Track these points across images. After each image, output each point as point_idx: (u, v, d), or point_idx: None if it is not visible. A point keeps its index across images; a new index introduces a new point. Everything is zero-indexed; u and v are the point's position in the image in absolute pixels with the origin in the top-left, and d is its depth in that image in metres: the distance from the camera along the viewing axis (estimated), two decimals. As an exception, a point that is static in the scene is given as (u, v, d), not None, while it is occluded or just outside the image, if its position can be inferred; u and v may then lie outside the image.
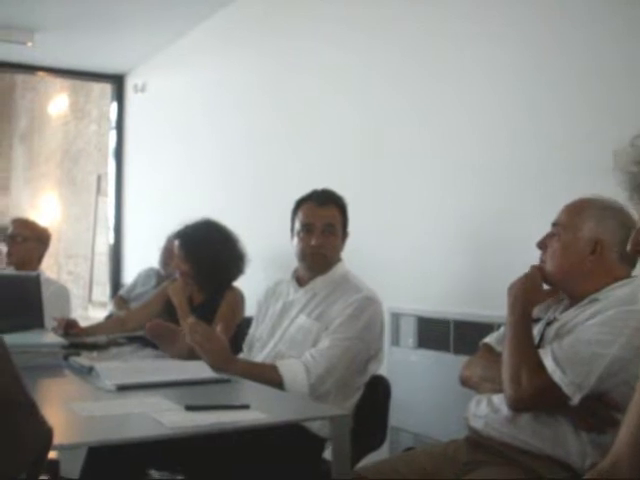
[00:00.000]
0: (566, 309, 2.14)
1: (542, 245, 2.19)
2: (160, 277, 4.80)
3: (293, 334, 2.77)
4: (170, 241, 4.23)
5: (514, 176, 2.95)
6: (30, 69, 7.27)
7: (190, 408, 1.99)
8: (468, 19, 3.21)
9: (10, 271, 4.15)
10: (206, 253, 3.52)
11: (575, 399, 1.90)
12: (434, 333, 3.24)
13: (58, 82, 9.64)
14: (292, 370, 2.59)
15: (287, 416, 2.22)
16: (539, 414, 2.00)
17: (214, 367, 2.55)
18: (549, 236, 2.18)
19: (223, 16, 5.23)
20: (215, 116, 5.46)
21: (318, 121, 4.23)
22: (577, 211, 2.15)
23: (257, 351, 2.87)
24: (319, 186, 2.95)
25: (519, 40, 2.96)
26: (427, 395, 3.24)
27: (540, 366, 1.95)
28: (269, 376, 2.57)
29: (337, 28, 4.06)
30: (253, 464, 2.41)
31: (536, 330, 2.13)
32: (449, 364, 3.01)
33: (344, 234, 2.89)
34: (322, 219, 2.82)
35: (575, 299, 2.11)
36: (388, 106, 3.67)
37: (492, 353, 2.25)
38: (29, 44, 5.89)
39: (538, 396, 1.96)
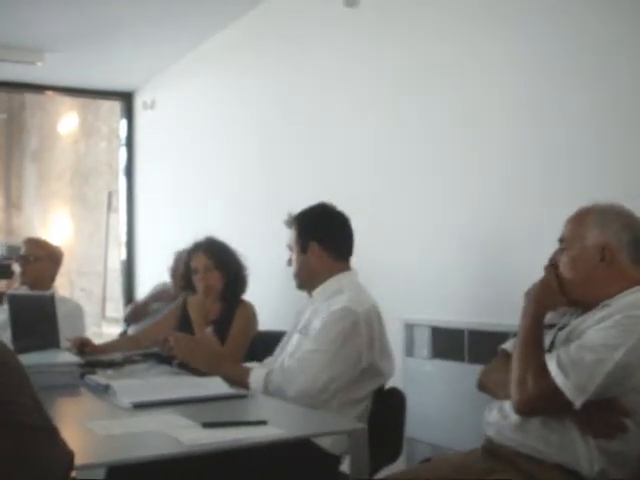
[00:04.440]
0: (580, 315, 2.13)
1: (553, 263, 2.19)
2: (172, 295, 4.79)
3: (288, 350, 2.81)
4: (179, 258, 4.22)
5: (529, 185, 2.95)
6: (39, 89, 7.32)
7: (207, 425, 1.99)
8: (474, 30, 3.22)
9: (24, 291, 4.17)
10: (234, 262, 3.57)
11: (577, 403, 1.90)
12: (448, 343, 3.23)
13: (67, 100, 9.69)
14: (256, 377, 2.68)
15: (304, 431, 2.22)
16: (547, 420, 2.00)
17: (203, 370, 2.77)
18: (558, 252, 2.18)
19: (231, 31, 5.25)
20: (225, 131, 5.48)
21: (330, 132, 4.23)
22: (579, 221, 2.15)
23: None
24: (331, 197, 2.97)
25: (522, 46, 2.96)
26: (443, 405, 3.24)
27: (545, 370, 1.95)
28: (243, 380, 2.69)
29: (348, 40, 4.07)
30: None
31: (549, 336, 2.12)
32: (464, 374, 3.00)
33: (304, 246, 2.87)
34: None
35: (592, 308, 2.10)
36: (398, 116, 3.68)
37: (509, 359, 2.24)
38: (39, 64, 5.94)
39: (542, 399, 1.96)
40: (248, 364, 2.90)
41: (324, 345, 2.62)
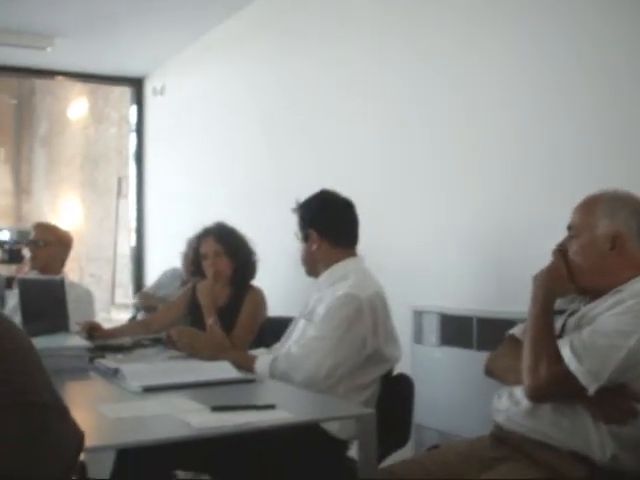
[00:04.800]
0: (590, 301, 2.13)
1: (562, 249, 2.18)
2: (184, 280, 4.80)
3: (294, 337, 2.82)
4: (191, 245, 4.22)
5: (535, 175, 2.94)
6: (49, 74, 7.33)
7: (216, 409, 2.00)
8: (476, 26, 3.21)
9: (34, 275, 4.19)
10: (243, 248, 3.57)
11: (591, 389, 1.90)
12: (457, 330, 3.23)
13: (77, 86, 9.70)
14: (262, 364, 2.69)
15: (312, 415, 2.22)
16: (558, 405, 2.00)
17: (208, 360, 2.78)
18: (567, 240, 2.18)
19: (240, 16, 5.25)
20: (234, 116, 5.48)
21: (337, 120, 4.23)
22: (588, 210, 2.15)
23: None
24: (338, 184, 2.96)
25: (528, 41, 2.95)
26: (451, 392, 3.24)
27: (558, 356, 1.95)
28: (249, 366, 2.70)
29: (356, 29, 4.06)
30: (276, 465, 2.43)
31: (559, 321, 2.12)
32: (473, 361, 3.00)
33: (305, 235, 2.89)
34: None
35: (602, 294, 2.10)
36: (404, 103, 3.67)
37: (517, 344, 2.24)
38: (48, 49, 5.94)
39: (555, 385, 1.96)
40: (254, 351, 2.91)
41: (328, 332, 2.62)
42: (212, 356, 2.82)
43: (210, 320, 3.32)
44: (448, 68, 3.39)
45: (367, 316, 2.64)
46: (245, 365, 2.70)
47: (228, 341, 3.19)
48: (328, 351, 2.60)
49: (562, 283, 2.14)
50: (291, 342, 2.80)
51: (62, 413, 0.91)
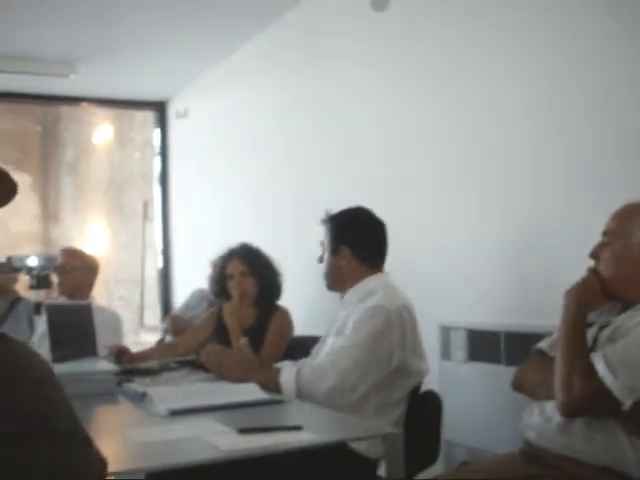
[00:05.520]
0: (620, 313, 2.10)
1: (595, 255, 2.16)
2: (210, 301, 4.81)
3: (322, 355, 2.79)
4: (217, 266, 4.22)
5: (563, 186, 2.93)
6: (74, 101, 7.41)
7: (244, 431, 2.00)
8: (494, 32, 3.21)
9: (62, 300, 4.22)
10: (268, 268, 3.57)
11: (627, 404, 1.87)
12: (485, 345, 3.21)
13: (101, 112, 9.80)
14: (287, 376, 2.66)
15: (339, 436, 2.21)
16: (591, 421, 1.97)
17: (236, 381, 2.75)
18: (601, 245, 2.15)
19: (263, 38, 5.27)
20: (258, 138, 5.50)
21: (360, 138, 4.23)
22: (626, 217, 2.13)
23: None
24: (363, 202, 2.96)
25: (546, 48, 2.94)
26: (480, 408, 3.21)
27: (592, 370, 1.92)
28: (276, 385, 2.66)
29: (375, 50, 4.07)
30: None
31: (589, 334, 2.09)
32: (501, 376, 2.97)
33: (335, 249, 2.87)
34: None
35: (633, 305, 2.08)
36: (427, 120, 3.67)
37: (545, 358, 2.22)
38: (72, 76, 6.00)
39: (589, 401, 1.93)
40: (279, 363, 2.90)
41: (357, 342, 2.61)
42: (240, 377, 2.81)
43: (241, 341, 3.30)
44: (471, 73, 3.39)
45: (396, 327, 2.63)
46: (272, 384, 2.69)
47: (257, 361, 3.18)
48: (356, 360, 2.59)
49: (595, 297, 2.12)
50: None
51: (84, 442, 0.91)
